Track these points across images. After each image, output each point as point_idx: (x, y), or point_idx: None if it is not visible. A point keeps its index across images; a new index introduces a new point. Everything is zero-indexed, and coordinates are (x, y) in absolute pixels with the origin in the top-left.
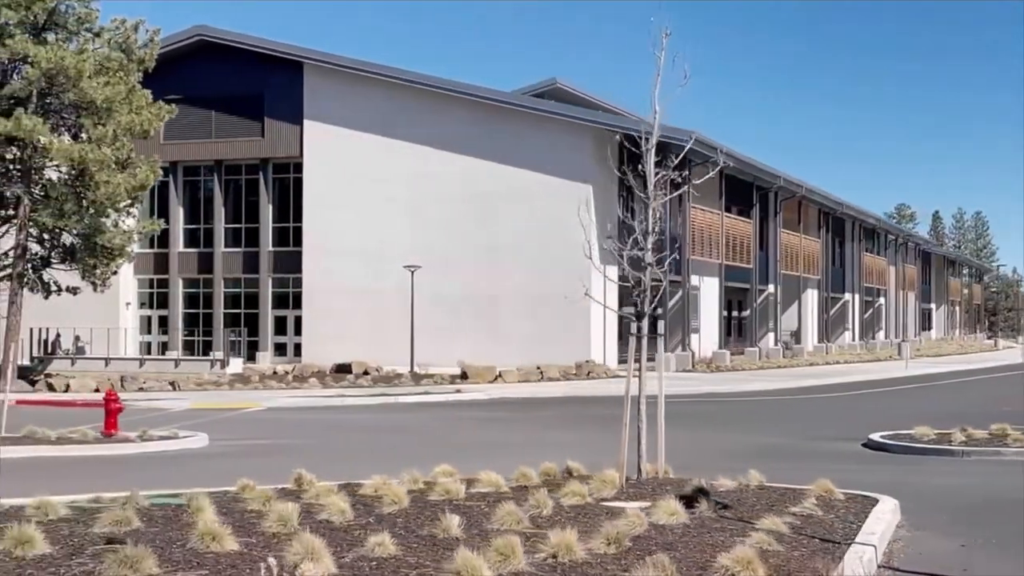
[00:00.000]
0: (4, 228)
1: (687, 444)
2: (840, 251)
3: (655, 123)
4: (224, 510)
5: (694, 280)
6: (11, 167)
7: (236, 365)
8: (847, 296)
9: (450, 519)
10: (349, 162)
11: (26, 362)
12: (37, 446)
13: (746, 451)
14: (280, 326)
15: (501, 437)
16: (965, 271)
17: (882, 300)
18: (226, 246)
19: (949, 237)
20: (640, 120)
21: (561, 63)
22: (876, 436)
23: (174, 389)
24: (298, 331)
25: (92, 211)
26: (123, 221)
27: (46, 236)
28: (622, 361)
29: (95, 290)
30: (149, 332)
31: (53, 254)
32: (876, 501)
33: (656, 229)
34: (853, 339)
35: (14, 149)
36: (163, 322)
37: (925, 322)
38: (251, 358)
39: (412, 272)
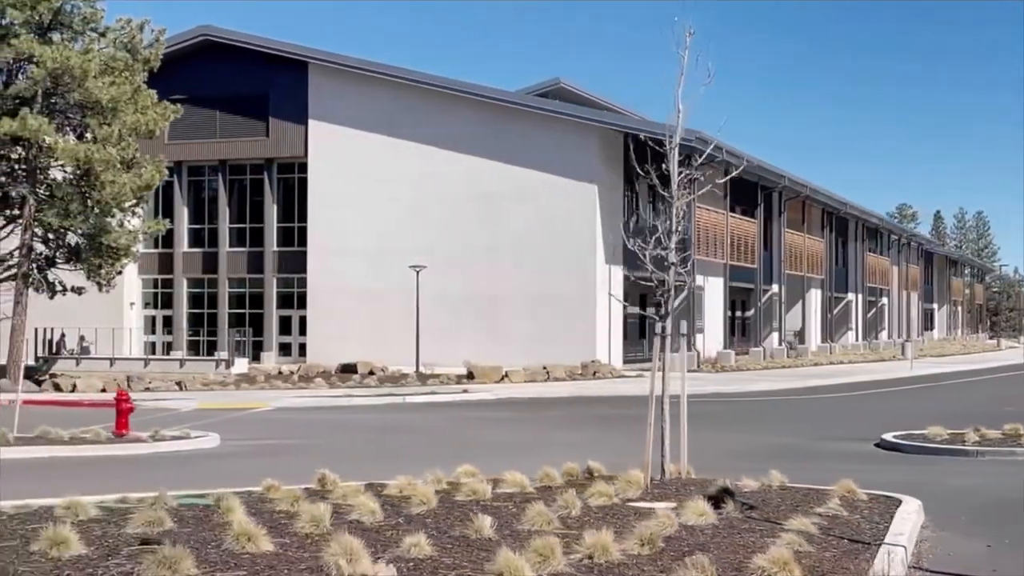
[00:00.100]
0: (9, 228)
1: (698, 444)
2: (843, 251)
3: (679, 122)
4: (253, 510)
5: (699, 280)
6: (16, 167)
7: (241, 365)
8: (850, 296)
9: (482, 520)
10: (354, 162)
11: (31, 362)
12: (51, 446)
13: (758, 451)
14: (285, 326)
15: (513, 437)
16: (967, 271)
17: (885, 300)
18: (230, 246)
19: (951, 237)
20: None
21: (562, 63)
22: (889, 436)
23: (181, 389)
24: (303, 331)
25: (97, 211)
26: (128, 221)
27: (51, 236)
28: (627, 361)
29: (100, 290)
30: (153, 332)
31: (58, 254)
32: (899, 502)
33: (679, 228)
34: (856, 339)
35: (19, 149)
36: (167, 322)
37: (927, 322)
38: (256, 358)
39: (417, 272)
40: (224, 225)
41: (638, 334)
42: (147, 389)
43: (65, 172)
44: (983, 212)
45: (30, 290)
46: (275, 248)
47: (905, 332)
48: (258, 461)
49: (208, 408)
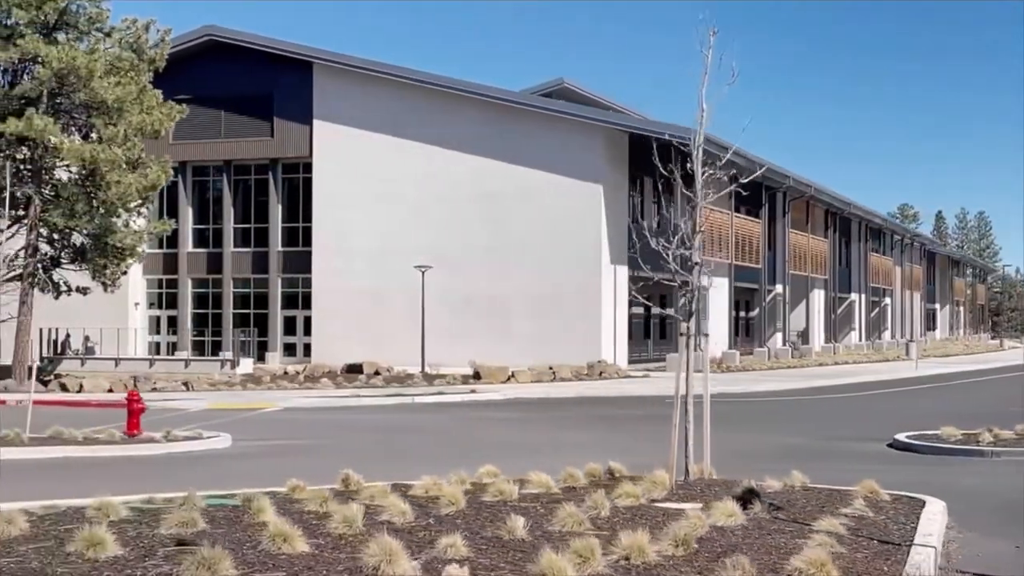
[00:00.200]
0: (15, 228)
1: (711, 445)
2: (847, 251)
3: (702, 122)
4: (282, 511)
5: (703, 280)
6: (22, 167)
7: (246, 365)
8: (854, 296)
9: (515, 521)
10: (359, 162)
11: (37, 362)
12: (65, 446)
13: (771, 452)
14: (289, 326)
15: (525, 438)
16: (969, 271)
17: (888, 300)
18: (235, 246)
19: (952, 237)
20: (650, 119)
21: (563, 63)
22: (902, 436)
23: (188, 389)
24: (307, 331)
25: (102, 211)
26: (134, 221)
27: (56, 236)
28: (632, 361)
29: (105, 290)
30: (158, 332)
31: (63, 254)
32: (923, 502)
33: (702, 229)
34: (860, 339)
35: (24, 149)
36: (172, 322)
37: (930, 322)
38: (260, 358)
39: (423, 272)
40: (228, 225)
41: (642, 334)
42: (154, 389)
43: (70, 172)
44: (985, 212)
45: (35, 290)
46: (279, 248)
47: (908, 332)
48: (273, 461)
49: (217, 408)
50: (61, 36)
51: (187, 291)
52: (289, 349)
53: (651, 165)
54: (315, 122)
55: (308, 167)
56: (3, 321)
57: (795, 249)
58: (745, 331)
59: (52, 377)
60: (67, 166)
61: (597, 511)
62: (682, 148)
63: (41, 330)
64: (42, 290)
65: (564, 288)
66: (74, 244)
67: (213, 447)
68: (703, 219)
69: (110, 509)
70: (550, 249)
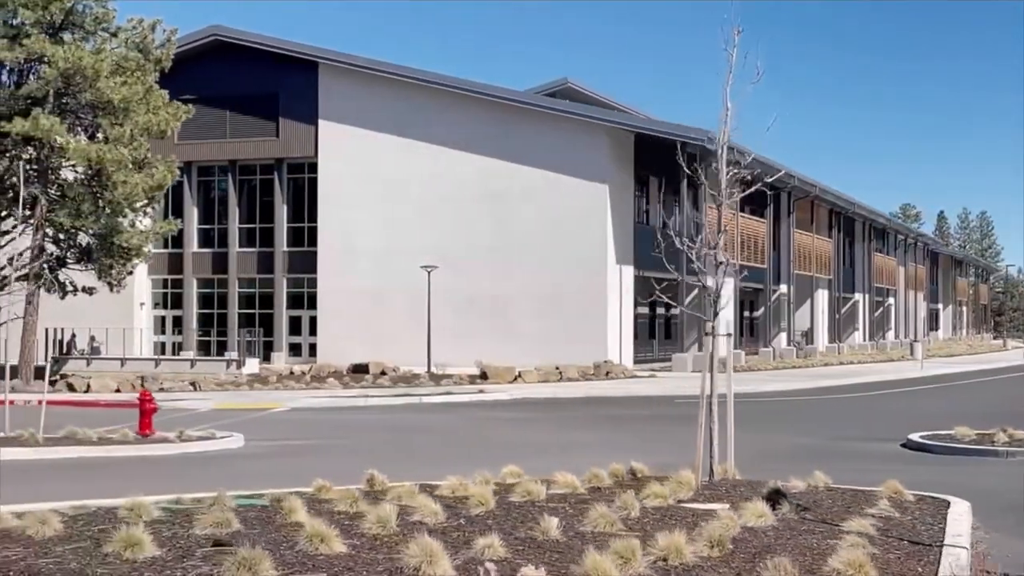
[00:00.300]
0: (21, 228)
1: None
2: (850, 251)
3: (727, 120)
4: (313, 511)
5: (709, 280)
6: (28, 167)
7: (252, 365)
8: (857, 296)
9: (549, 521)
10: (364, 162)
11: (42, 362)
12: (80, 446)
13: (785, 452)
14: (294, 326)
15: (538, 438)
16: (972, 271)
17: (891, 300)
18: (240, 246)
19: (954, 237)
20: (656, 119)
21: (565, 63)
22: (915, 436)
23: (195, 389)
24: (313, 331)
25: (108, 211)
26: (140, 221)
27: (62, 236)
28: (637, 361)
29: (111, 290)
30: (163, 332)
31: (69, 254)
32: (947, 503)
33: (726, 228)
34: (863, 339)
35: (30, 149)
36: (177, 322)
37: (933, 322)
38: (266, 358)
39: (429, 272)
40: (234, 225)
41: (648, 334)
42: (161, 389)
43: (76, 172)
44: (987, 212)
45: (41, 290)
46: (285, 248)
47: (912, 332)
48: (288, 461)
49: (225, 408)
50: (67, 36)
51: (192, 291)
52: (294, 349)
53: (657, 165)
54: (320, 122)
55: (313, 167)
56: (9, 321)
57: (800, 249)
58: (750, 331)
59: (58, 377)
60: (73, 166)
61: (627, 511)
62: (689, 148)
63: (47, 330)
64: (48, 290)
65: (569, 288)
66: (80, 244)
67: (227, 447)
68: (725, 220)
69: (142, 510)
70: (555, 249)
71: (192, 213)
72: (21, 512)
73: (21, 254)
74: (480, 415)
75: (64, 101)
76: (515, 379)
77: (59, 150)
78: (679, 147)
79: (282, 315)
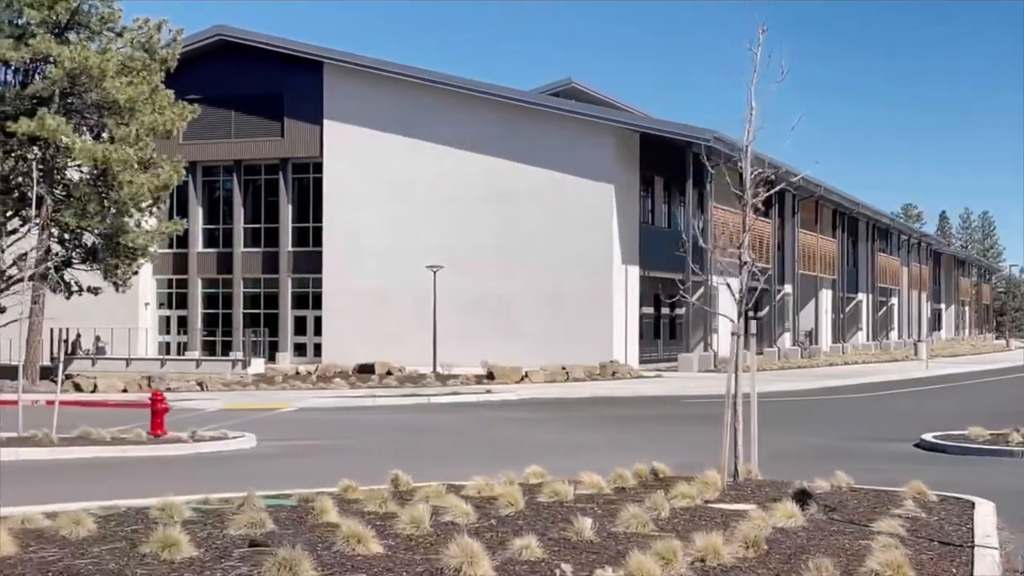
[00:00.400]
0: (26, 228)
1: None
2: (854, 251)
3: (751, 119)
4: (343, 511)
5: (714, 280)
6: (34, 167)
7: (258, 365)
8: (861, 296)
9: (582, 522)
10: (369, 162)
11: (47, 362)
12: (94, 446)
13: (800, 452)
14: (300, 326)
15: (550, 438)
16: (974, 271)
17: (894, 300)
18: (245, 246)
19: (956, 237)
20: (662, 119)
21: (567, 63)
22: (929, 436)
23: (202, 389)
24: (318, 331)
25: (114, 211)
26: (146, 221)
27: (67, 236)
28: (643, 361)
29: (117, 290)
30: (168, 332)
31: (74, 254)
32: (971, 503)
33: (750, 228)
34: (866, 339)
35: (35, 149)
36: (182, 322)
37: (935, 322)
38: (271, 358)
39: (435, 272)
40: (239, 225)
41: (653, 334)
42: (168, 389)
43: (81, 172)
44: (988, 212)
45: (46, 290)
46: (290, 248)
47: (916, 332)
48: (304, 462)
49: (233, 408)
50: (73, 36)
51: (197, 291)
52: (300, 349)
53: (662, 165)
54: (325, 122)
55: (318, 167)
56: (13, 321)
57: (804, 249)
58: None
59: (64, 376)
60: (79, 166)
61: (657, 512)
62: (695, 148)
63: (51, 330)
64: (53, 290)
65: (575, 288)
66: (85, 244)
67: (239, 447)
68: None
69: (174, 510)
70: (561, 249)
71: (197, 213)
72: (50, 512)
73: (26, 254)
74: (489, 415)
75: (69, 101)
76: (522, 379)
77: (65, 150)
78: (687, 147)
79: (287, 315)
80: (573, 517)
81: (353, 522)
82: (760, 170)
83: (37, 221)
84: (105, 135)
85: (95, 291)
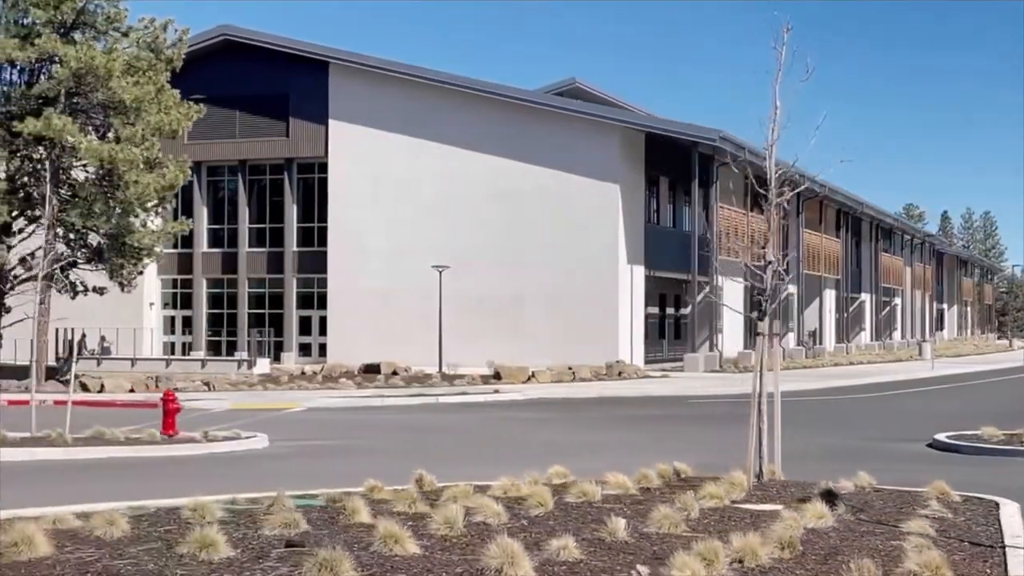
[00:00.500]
0: (31, 228)
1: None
2: (857, 251)
3: (775, 118)
4: (373, 511)
5: (718, 280)
6: (39, 167)
7: (263, 365)
8: (864, 296)
9: (616, 522)
10: (374, 162)
11: (51, 363)
12: (108, 447)
13: (814, 453)
14: (304, 326)
15: (564, 438)
16: (977, 271)
17: (898, 300)
18: (250, 246)
19: (958, 237)
20: (668, 119)
21: (570, 63)
22: (942, 436)
23: (209, 389)
24: (323, 331)
25: (119, 211)
26: (151, 221)
27: (72, 236)
28: (648, 361)
29: (122, 290)
30: (173, 332)
31: (80, 254)
32: (996, 503)
33: (774, 228)
34: (869, 339)
35: (41, 149)
36: (187, 322)
37: (938, 322)
38: (276, 358)
39: (440, 272)
40: (244, 225)
41: (658, 334)
42: (176, 389)
43: (87, 172)
44: (990, 212)
45: (51, 290)
46: (295, 248)
47: (919, 332)
48: (320, 462)
49: (241, 408)
50: (78, 36)
51: (202, 291)
52: (304, 349)
53: (667, 164)
54: (331, 122)
55: (324, 167)
56: (19, 321)
57: (808, 249)
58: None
59: (69, 377)
60: (84, 166)
61: (687, 512)
62: (701, 148)
63: (56, 330)
64: (59, 291)
65: (580, 288)
66: (90, 244)
67: (252, 447)
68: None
69: (205, 510)
70: (566, 249)
71: (202, 213)
72: (80, 513)
73: (32, 255)
74: (499, 415)
75: (75, 101)
76: (528, 379)
77: (71, 150)
78: (692, 146)
79: (292, 315)
80: (606, 517)
81: (389, 522)
82: (785, 169)
83: (44, 221)
84: (111, 135)
85: (101, 291)
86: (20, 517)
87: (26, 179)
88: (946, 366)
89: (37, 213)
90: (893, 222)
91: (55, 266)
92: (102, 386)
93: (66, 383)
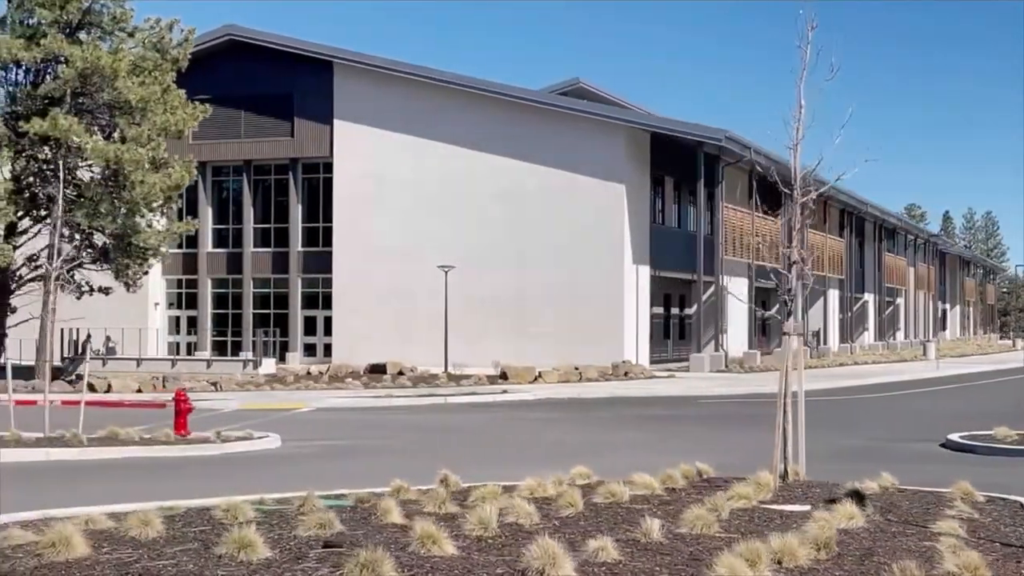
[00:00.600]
0: (37, 228)
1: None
2: (860, 251)
3: (800, 117)
4: (405, 512)
5: (723, 280)
6: (44, 167)
7: (268, 365)
8: (867, 296)
9: (650, 523)
10: (379, 162)
11: (57, 363)
12: (123, 447)
13: (828, 453)
14: (309, 326)
15: (578, 438)
16: (980, 271)
17: (900, 300)
18: (255, 246)
19: (959, 237)
20: (673, 119)
21: (566, 63)
22: (955, 436)
23: (216, 389)
24: (328, 331)
25: (125, 211)
26: (157, 221)
27: (77, 236)
28: (653, 361)
29: (128, 290)
30: (178, 332)
31: (85, 254)
32: (1020, 504)
33: (799, 226)
34: (872, 339)
35: (46, 149)
36: (192, 322)
37: (941, 322)
38: (281, 358)
39: (446, 272)
40: (249, 225)
41: (662, 334)
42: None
43: (93, 172)
44: (992, 212)
45: (57, 290)
46: (300, 248)
47: (922, 333)
48: (336, 462)
49: (250, 409)
50: (84, 36)
51: (207, 291)
52: (309, 349)
53: (672, 164)
54: (335, 122)
55: (328, 167)
56: (24, 321)
57: (812, 249)
58: (762, 331)
59: (75, 377)
60: (90, 166)
61: (718, 513)
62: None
63: (62, 330)
64: (64, 290)
65: (586, 288)
66: (96, 244)
67: (266, 447)
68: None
69: (238, 511)
70: (572, 249)
71: (207, 213)
72: (111, 513)
73: (37, 255)
74: (510, 415)
75: (81, 101)
76: (535, 379)
77: (76, 150)
78: (698, 146)
79: (297, 315)
80: (639, 518)
81: (426, 523)
82: (808, 170)
83: (51, 221)
84: (117, 135)
85: (106, 291)
86: (52, 518)
87: (32, 179)
88: (951, 366)
89: (42, 213)
90: (896, 222)
91: (64, 267)
92: (109, 386)
93: (72, 383)
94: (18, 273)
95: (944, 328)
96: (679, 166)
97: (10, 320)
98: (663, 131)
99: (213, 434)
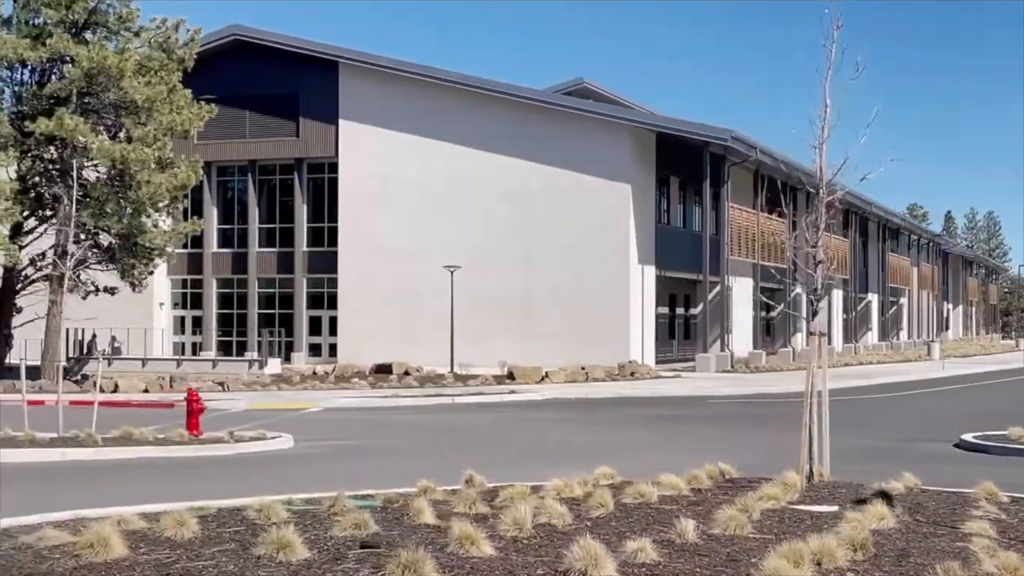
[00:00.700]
0: (43, 228)
1: (779, 446)
2: (864, 251)
3: (826, 116)
4: (436, 512)
5: (728, 280)
6: (50, 167)
7: (274, 365)
8: (871, 296)
9: (685, 523)
10: (385, 162)
11: (65, 362)
12: (138, 447)
13: (842, 453)
14: (315, 326)
15: (590, 438)
16: (982, 271)
17: (904, 300)
18: (260, 246)
19: (962, 237)
20: (679, 119)
21: (566, 63)
22: (968, 437)
23: (223, 390)
24: (333, 331)
25: (131, 211)
26: (162, 221)
27: (83, 236)
28: (659, 361)
29: (134, 290)
30: (183, 332)
31: (91, 254)
32: None
33: (825, 224)
34: (876, 339)
35: (52, 149)
36: (197, 322)
37: (944, 322)
38: (287, 358)
39: (452, 272)
40: (254, 225)
41: (668, 334)
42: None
43: (99, 172)
44: (994, 212)
45: (63, 291)
46: (305, 248)
47: (925, 333)
48: (351, 462)
49: (258, 409)
50: (90, 35)
51: (212, 291)
52: (315, 349)
53: (678, 164)
54: (341, 122)
55: (334, 167)
56: (30, 321)
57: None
58: (767, 331)
59: (80, 377)
60: (95, 166)
61: (749, 513)
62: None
63: (67, 330)
64: (69, 290)
65: (592, 288)
66: (102, 244)
67: (279, 447)
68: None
69: (271, 511)
70: (577, 249)
71: (212, 213)
72: (143, 513)
73: (43, 255)
74: (519, 415)
75: (87, 101)
76: (542, 379)
77: (83, 150)
78: (704, 146)
79: (302, 315)
80: (672, 519)
81: (463, 524)
82: (836, 167)
83: (55, 222)
84: (122, 135)
85: (112, 291)
86: (84, 518)
87: (37, 179)
88: (955, 366)
89: (48, 213)
90: (900, 222)
91: (72, 267)
92: (116, 386)
93: (78, 383)
94: (24, 273)
95: (947, 328)
96: (684, 166)
97: (16, 320)
98: (669, 131)
99: (226, 434)
